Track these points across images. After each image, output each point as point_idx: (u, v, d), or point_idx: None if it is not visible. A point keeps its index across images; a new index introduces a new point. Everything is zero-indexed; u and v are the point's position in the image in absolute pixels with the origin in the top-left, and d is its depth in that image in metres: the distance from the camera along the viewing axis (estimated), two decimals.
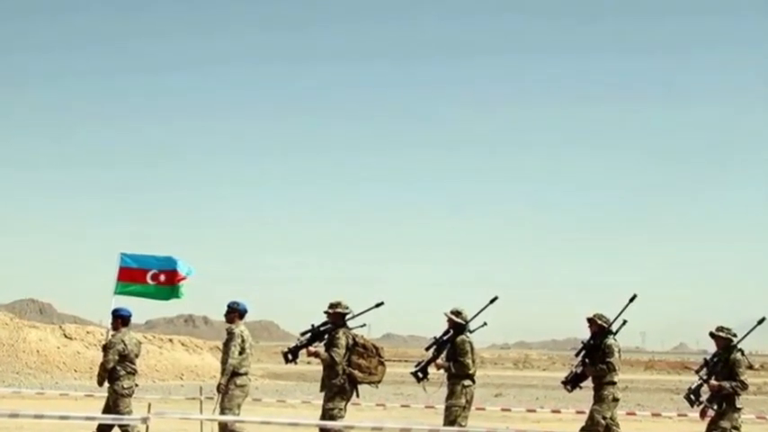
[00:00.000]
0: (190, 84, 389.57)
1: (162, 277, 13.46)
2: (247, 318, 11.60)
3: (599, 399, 10.65)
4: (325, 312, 10.99)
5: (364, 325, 11.02)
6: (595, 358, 10.74)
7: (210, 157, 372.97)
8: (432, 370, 11.06)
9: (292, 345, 11.15)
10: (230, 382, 11.15)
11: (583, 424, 10.70)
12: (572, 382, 11.01)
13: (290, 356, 11.10)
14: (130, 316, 11.79)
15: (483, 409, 18.26)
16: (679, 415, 17.10)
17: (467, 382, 10.82)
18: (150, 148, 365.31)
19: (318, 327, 11.01)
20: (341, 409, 10.74)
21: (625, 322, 10.76)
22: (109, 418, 10.70)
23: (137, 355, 11.57)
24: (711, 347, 10.52)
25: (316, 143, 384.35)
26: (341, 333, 10.81)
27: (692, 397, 10.40)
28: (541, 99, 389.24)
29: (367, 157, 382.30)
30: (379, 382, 10.95)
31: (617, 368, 10.72)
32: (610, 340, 10.76)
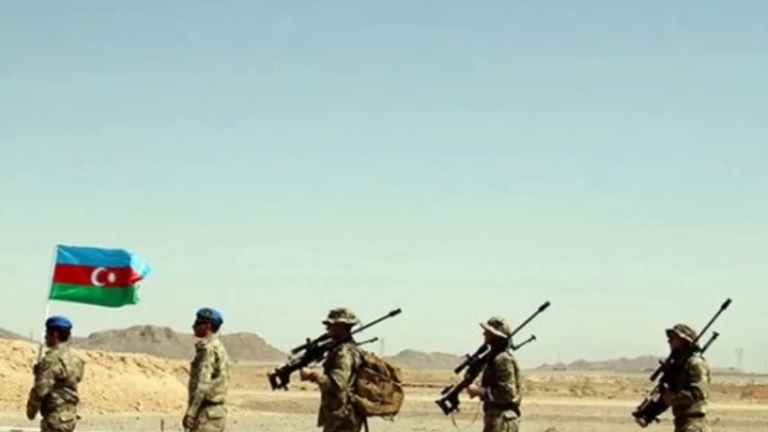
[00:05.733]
0: (146, 24, 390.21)
1: (111, 277, 13.52)
2: (223, 330, 11.68)
3: None
4: (325, 323, 11.03)
5: (376, 339, 11.05)
6: (677, 382, 10.77)
7: (173, 121, 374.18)
8: (464, 398, 11.09)
9: (282, 365, 11.21)
10: (201, 413, 11.22)
11: None
12: (647, 413, 11.05)
13: (278, 380, 11.15)
14: (70, 327, 11.86)
15: None
16: None
17: (509, 414, 10.87)
18: (95, 108, 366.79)
19: (316, 342, 11.05)
20: None
21: (716, 336, 10.79)
22: None
23: (78, 379, 11.66)
24: None
25: (310, 100, 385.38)
26: (345, 350, 10.85)
27: None
28: (609, 46, 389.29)
29: (379, 119, 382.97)
30: (394, 413, 10.99)
31: (705, 395, 10.75)
32: (696, 359, 10.79)
